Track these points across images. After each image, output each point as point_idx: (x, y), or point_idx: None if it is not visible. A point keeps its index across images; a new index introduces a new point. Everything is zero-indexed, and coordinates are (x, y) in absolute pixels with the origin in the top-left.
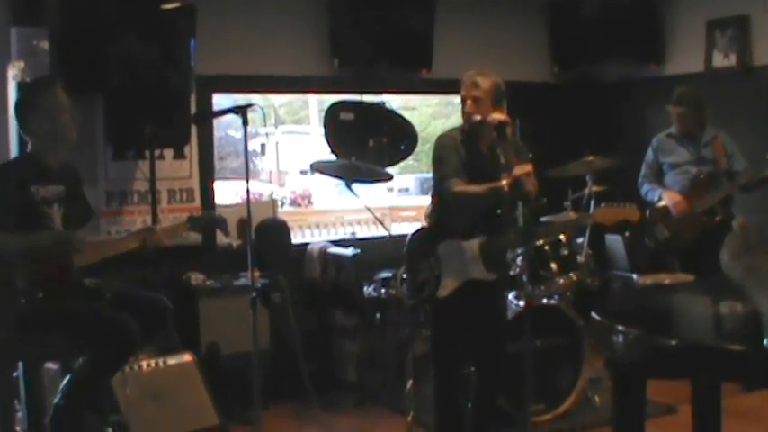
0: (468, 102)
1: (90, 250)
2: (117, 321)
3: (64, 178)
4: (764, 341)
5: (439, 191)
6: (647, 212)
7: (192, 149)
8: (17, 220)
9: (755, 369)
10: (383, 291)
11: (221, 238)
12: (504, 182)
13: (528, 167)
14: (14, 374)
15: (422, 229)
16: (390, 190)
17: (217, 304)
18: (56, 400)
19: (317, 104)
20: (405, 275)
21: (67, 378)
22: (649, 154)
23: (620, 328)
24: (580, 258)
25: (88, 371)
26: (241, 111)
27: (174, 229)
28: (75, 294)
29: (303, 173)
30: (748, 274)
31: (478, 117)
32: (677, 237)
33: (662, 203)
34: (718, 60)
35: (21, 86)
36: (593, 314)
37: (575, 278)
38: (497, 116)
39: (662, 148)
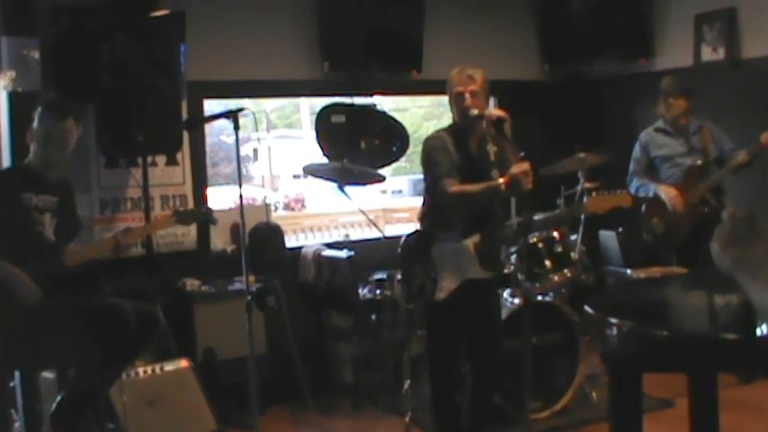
0: (467, 96)
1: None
2: (115, 311)
3: (59, 191)
4: (758, 331)
5: (433, 193)
6: (642, 208)
7: (185, 156)
8: (8, 226)
9: (750, 358)
10: (378, 292)
11: (216, 244)
12: (501, 180)
13: (525, 165)
14: (11, 384)
15: (415, 232)
16: (383, 192)
17: (212, 309)
18: (53, 408)
19: (308, 108)
20: (400, 277)
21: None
22: (636, 150)
23: (612, 320)
24: (574, 255)
25: (89, 373)
26: (232, 115)
27: (161, 222)
28: (74, 288)
29: (296, 177)
30: (738, 264)
31: (476, 111)
32: (674, 230)
33: (656, 198)
34: (707, 54)
35: (11, 96)
36: (586, 308)
37: (569, 275)
38: (497, 112)
39: (651, 142)
